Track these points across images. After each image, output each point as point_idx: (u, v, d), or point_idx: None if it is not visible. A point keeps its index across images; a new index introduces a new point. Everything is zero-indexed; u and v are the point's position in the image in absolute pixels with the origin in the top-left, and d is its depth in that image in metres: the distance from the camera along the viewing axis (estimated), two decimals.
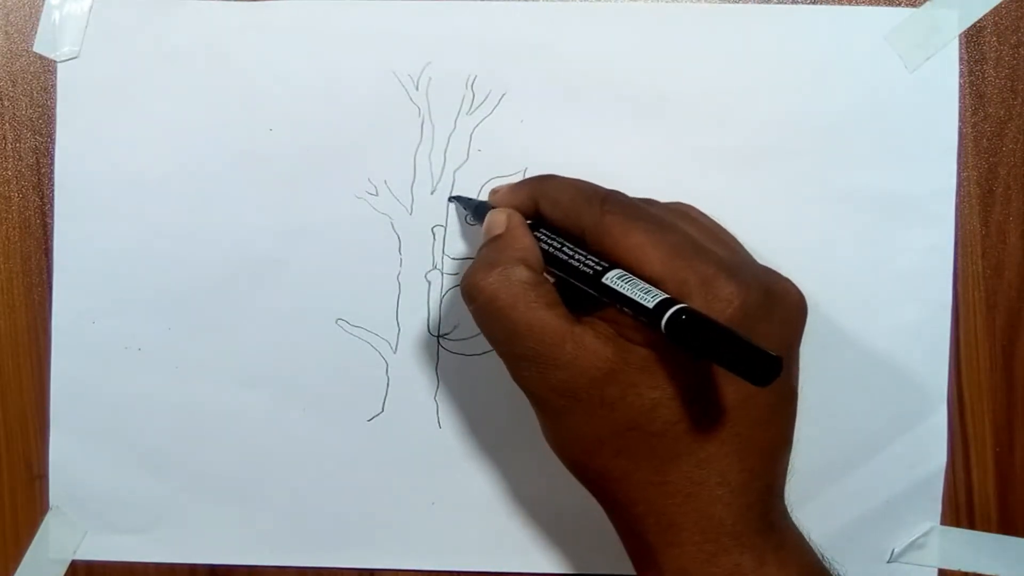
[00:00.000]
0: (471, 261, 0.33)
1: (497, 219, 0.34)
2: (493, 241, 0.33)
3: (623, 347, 0.29)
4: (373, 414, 0.40)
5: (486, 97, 0.39)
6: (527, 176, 0.39)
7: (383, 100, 0.39)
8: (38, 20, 0.40)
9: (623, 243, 0.30)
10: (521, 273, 0.31)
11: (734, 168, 0.39)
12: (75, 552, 0.40)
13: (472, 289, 0.31)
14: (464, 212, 0.39)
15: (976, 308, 0.40)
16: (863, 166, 0.39)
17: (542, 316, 0.30)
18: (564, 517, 0.40)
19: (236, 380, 0.40)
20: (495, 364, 0.39)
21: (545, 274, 0.32)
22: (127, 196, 0.40)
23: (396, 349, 0.40)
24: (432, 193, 0.39)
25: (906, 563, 0.40)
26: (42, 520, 0.40)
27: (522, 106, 0.39)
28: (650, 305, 0.28)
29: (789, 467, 0.32)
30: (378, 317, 0.40)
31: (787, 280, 0.32)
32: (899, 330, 0.39)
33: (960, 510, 0.40)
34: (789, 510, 0.32)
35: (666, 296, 0.28)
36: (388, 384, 0.40)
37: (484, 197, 0.39)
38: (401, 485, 0.40)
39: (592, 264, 0.31)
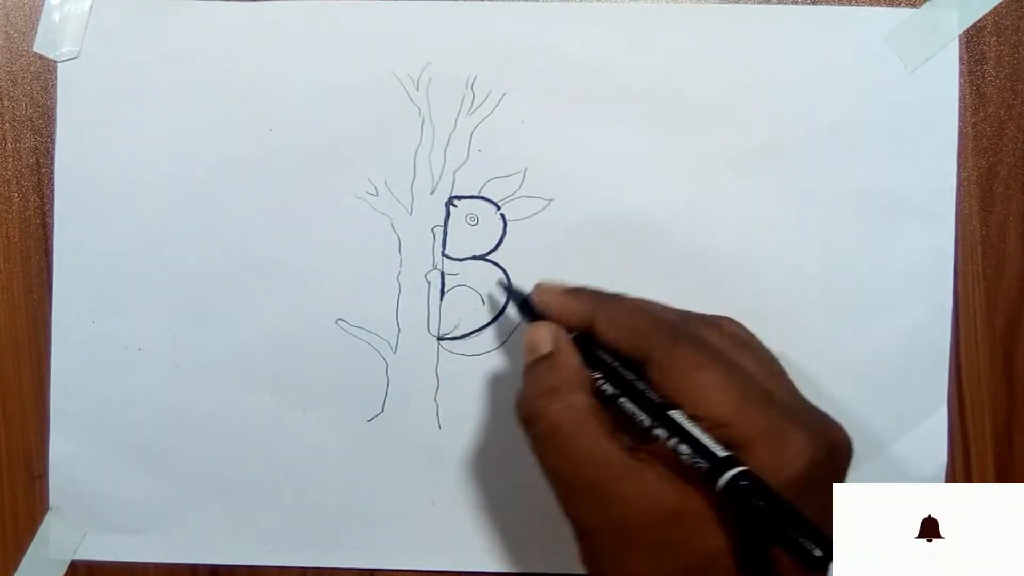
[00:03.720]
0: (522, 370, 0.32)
1: (542, 336, 0.32)
2: (543, 363, 0.31)
3: (685, 491, 0.28)
4: (373, 414, 0.40)
5: (486, 97, 0.39)
6: (526, 174, 0.39)
7: (383, 100, 0.39)
8: (38, 20, 0.40)
9: (693, 379, 0.29)
10: (582, 399, 0.30)
11: (734, 168, 0.39)
12: (75, 552, 0.40)
13: (533, 414, 0.30)
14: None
15: (976, 308, 0.40)
16: (863, 166, 0.39)
17: (605, 448, 0.29)
18: (564, 517, 0.40)
19: (236, 380, 0.40)
20: (495, 364, 0.40)
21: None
22: (127, 196, 0.40)
23: (396, 349, 0.40)
24: (432, 193, 0.39)
25: None
26: (42, 520, 0.40)
27: (522, 106, 0.39)
28: (719, 454, 0.27)
29: None
30: (378, 317, 0.40)
31: (839, 425, 0.31)
32: (899, 330, 0.39)
33: None
34: None
35: (731, 454, 0.27)
36: (388, 384, 0.40)
37: (484, 196, 0.39)
38: (401, 485, 0.40)
39: (640, 410, 0.29)
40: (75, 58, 0.39)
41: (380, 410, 0.40)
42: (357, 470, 0.40)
